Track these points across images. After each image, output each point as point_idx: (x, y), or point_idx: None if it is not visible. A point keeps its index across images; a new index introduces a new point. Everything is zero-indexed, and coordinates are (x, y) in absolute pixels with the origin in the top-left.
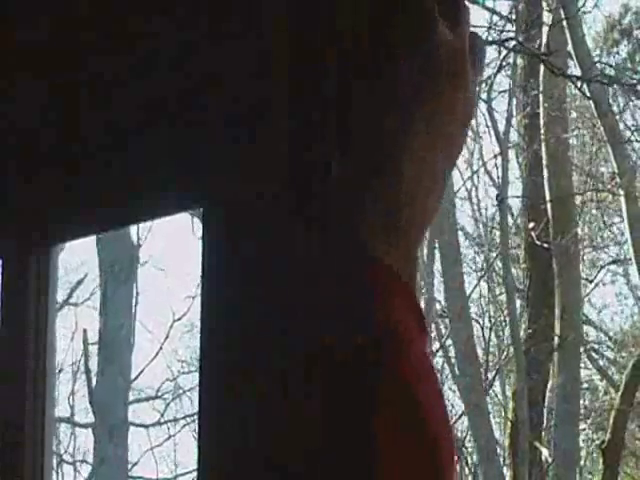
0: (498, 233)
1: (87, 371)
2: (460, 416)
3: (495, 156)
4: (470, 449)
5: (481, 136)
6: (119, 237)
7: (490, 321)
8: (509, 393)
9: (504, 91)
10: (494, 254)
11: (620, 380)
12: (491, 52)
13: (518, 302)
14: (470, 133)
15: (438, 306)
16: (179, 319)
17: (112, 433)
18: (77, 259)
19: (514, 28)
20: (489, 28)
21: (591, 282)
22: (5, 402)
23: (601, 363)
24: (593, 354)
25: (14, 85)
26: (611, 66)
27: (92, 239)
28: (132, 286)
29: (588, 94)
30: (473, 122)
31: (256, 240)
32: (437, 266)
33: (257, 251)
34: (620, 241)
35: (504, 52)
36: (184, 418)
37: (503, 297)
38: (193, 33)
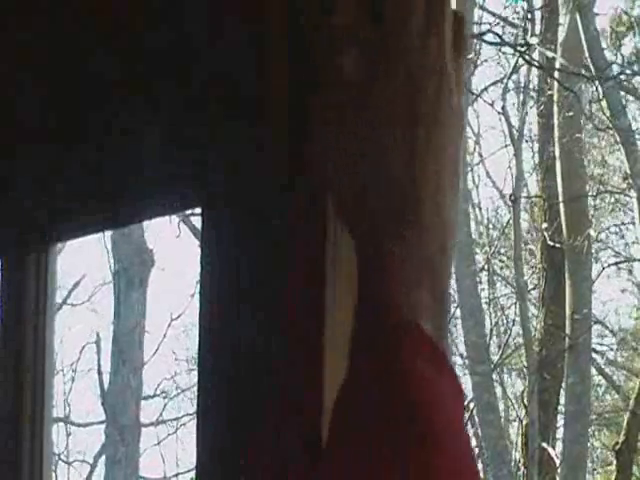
0: (499, 229)
1: (99, 372)
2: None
3: (501, 148)
4: (481, 449)
5: (482, 135)
6: (133, 241)
7: (491, 321)
8: (510, 393)
9: (518, 90)
10: (490, 253)
11: (620, 380)
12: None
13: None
14: (471, 133)
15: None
16: (176, 318)
17: (123, 433)
18: (76, 260)
19: (529, 32)
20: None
21: (593, 282)
22: (3, 401)
23: (601, 363)
24: (593, 354)
25: (14, 84)
26: (621, 65)
27: (93, 240)
28: (145, 289)
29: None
30: (471, 122)
31: (256, 240)
32: None
33: (257, 251)
34: (630, 241)
35: (517, 55)
36: (182, 417)
37: (502, 296)
38: (193, 32)
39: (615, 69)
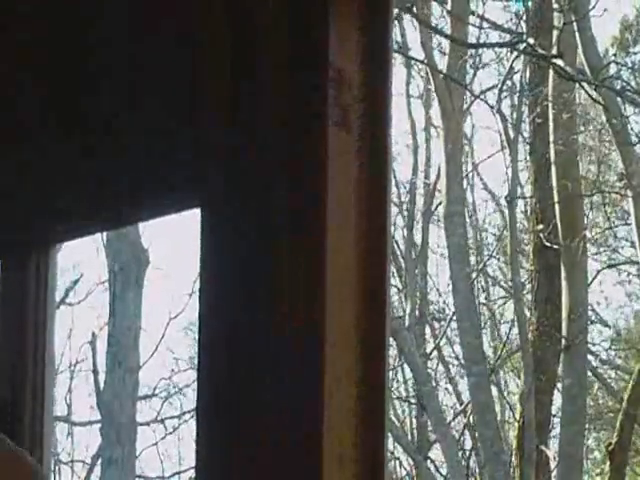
0: (493, 234)
1: (95, 372)
2: (467, 416)
3: (492, 155)
4: (478, 450)
5: (472, 136)
6: (129, 240)
7: (485, 322)
8: (508, 393)
9: (513, 92)
10: (486, 256)
11: (614, 381)
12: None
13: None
14: (463, 134)
15: (433, 308)
16: (175, 317)
17: (120, 433)
18: (73, 259)
19: (525, 31)
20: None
21: (589, 284)
22: (3, 401)
23: (595, 364)
24: (589, 356)
25: (14, 84)
26: (625, 65)
27: (91, 240)
28: (141, 288)
29: (595, 96)
30: (468, 123)
31: (255, 240)
32: (432, 268)
33: (255, 251)
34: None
35: (514, 54)
36: (183, 415)
37: (498, 297)
38: (194, 36)
39: (612, 70)
